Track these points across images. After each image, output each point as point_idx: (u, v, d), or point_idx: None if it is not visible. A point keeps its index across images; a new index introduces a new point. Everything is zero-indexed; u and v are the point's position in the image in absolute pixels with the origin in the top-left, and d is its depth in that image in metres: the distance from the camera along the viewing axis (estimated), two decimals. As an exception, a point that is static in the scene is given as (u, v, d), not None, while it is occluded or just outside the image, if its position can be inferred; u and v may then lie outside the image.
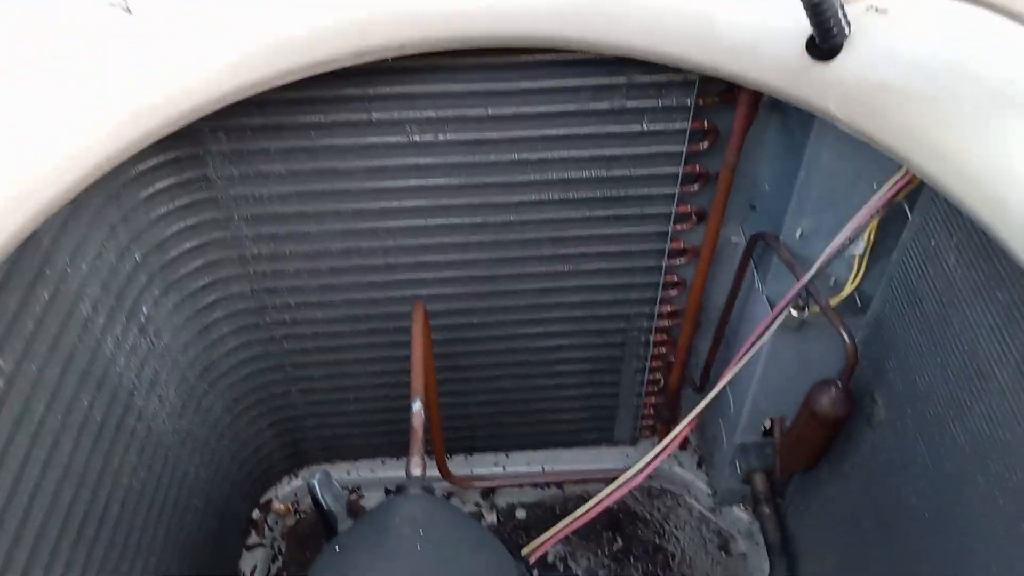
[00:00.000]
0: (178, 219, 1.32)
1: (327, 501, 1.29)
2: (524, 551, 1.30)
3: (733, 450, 1.67)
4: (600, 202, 1.38)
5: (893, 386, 1.24)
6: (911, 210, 1.19)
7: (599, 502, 1.36)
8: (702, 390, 1.72)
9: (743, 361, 1.30)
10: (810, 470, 1.44)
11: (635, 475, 1.39)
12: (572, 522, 1.36)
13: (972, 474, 1.03)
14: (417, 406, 1.22)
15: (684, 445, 1.91)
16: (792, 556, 1.64)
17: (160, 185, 1.26)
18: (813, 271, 1.22)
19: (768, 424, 1.61)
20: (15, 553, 0.99)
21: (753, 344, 1.30)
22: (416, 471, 1.15)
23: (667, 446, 1.37)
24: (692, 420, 1.36)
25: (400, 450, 1.90)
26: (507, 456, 1.93)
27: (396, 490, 1.14)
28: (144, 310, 1.31)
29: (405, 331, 1.55)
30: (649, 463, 1.38)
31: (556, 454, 1.93)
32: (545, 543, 1.33)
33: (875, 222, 1.22)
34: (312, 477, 1.31)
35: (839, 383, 1.27)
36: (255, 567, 1.77)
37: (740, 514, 1.82)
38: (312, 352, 1.62)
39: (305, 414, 1.76)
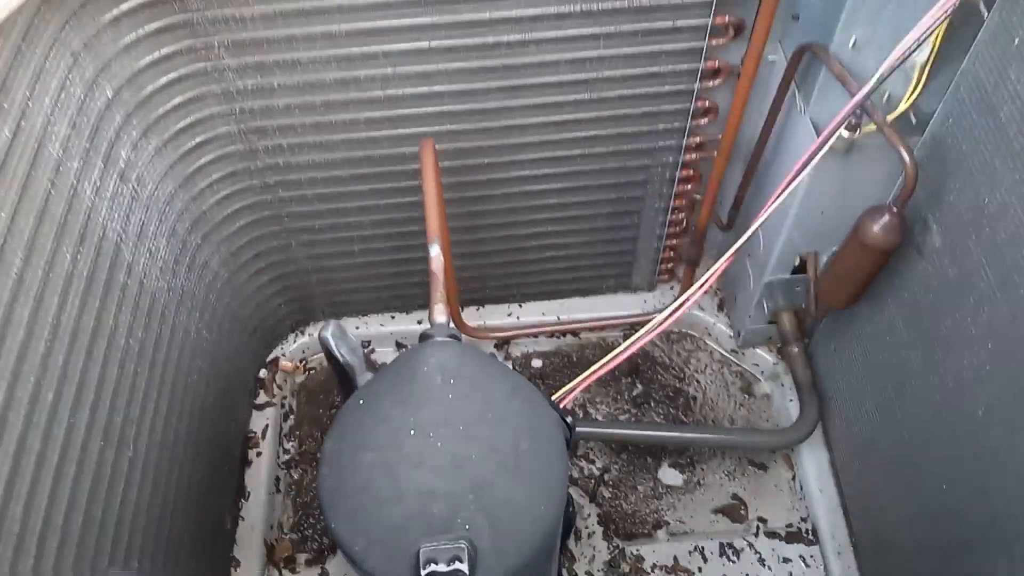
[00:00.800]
0: (150, 47, 1.16)
1: (343, 353, 1.21)
2: (554, 397, 1.23)
3: (760, 289, 1.59)
4: (628, 14, 1.22)
5: (953, 209, 1.13)
6: (988, 8, 1.05)
7: (626, 348, 1.28)
8: (730, 228, 1.62)
9: (786, 192, 1.19)
10: (850, 306, 1.36)
11: (664, 319, 1.30)
12: (598, 369, 1.28)
13: (1052, 297, 0.94)
14: (435, 250, 1.11)
15: (690, 283, 1.82)
16: (822, 396, 1.59)
17: (125, 6, 1.09)
18: (873, 82, 1.08)
19: (798, 260, 1.51)
20: (8, 416, 0.90)
21: (799, 172, 1.18)
22: (440, 317, 1.05)
23: (702, 286, 1.28)
24: (729, 257, 1.27)
25: (409, 304, 1.82)
26: (520, 307, 1.85)
27: (420, 338, 1.05)
28: (123, 155, 1.17)
29: (410, 174, 1.43)
30: (681, 306, 1.29)
31: (571, 303, 1.85)
32: (572, 392, 1.26)
33: (943, 25, 1.07)
34: (324, 329, 1.22)
35: (894, 208, 1.16)
36: (266, 426, 1.71)
37: (764, 355, 1.77)
38: (311, 200, 1.49)
39: (308, 268, 1.65)
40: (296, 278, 1.67)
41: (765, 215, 1.23)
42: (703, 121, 1.43)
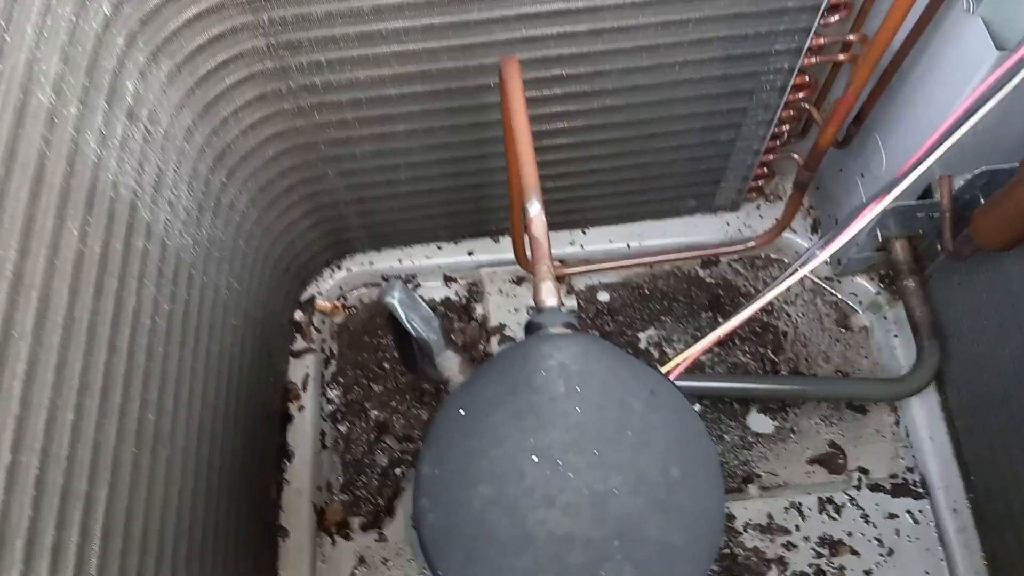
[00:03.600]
0: (153, -55, 0.89)
1: (415, 326, 1.00)
2: (664, 369, 1.03)
3: (876, 215, 1.36)
4: None
5: None
6: None
7: (757, 307, 1.06)
8: (846, 146, 1.38)
9: (966, 126, 0.95)
10: (1008, 249, 1.14)
11: (805, 271, 1.07)
12: (714, 338, 1.07)
13: None
14: (536, 208, 0.87)
15: (798, 208, 1.60)
16: (942, 335, 1.40)
17: None
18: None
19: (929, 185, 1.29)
20: (22, 448, 0.70)
21: (985, 98, 0.94)
22: (551, 299, 0.84)
23: (836, 244, 1.05)
24: (880, 200, 1.03)
25: (457, 233, 1.59)
26: (585, 233, 1.62)
27: (528, 328, 0.84)
28: (129, 87, 0.92)
29: (471, 91, 1.18)
30: (819, 258, 1.06)
31: (642, 227, 1.62)
32: (689, 358, 1.06)
33: None
34: (388, 294, 1.01)
35: (1104, 140, 0.93)
36: (306, 376, 1.53)
37: (864, 284, 1.56)
38: (352, 124, 1.24)
39: (347, 199, 1.42)
40: (332, 210, 1.44)
41: (932, 156, 0.99)
42: (833, 18, 1.17)
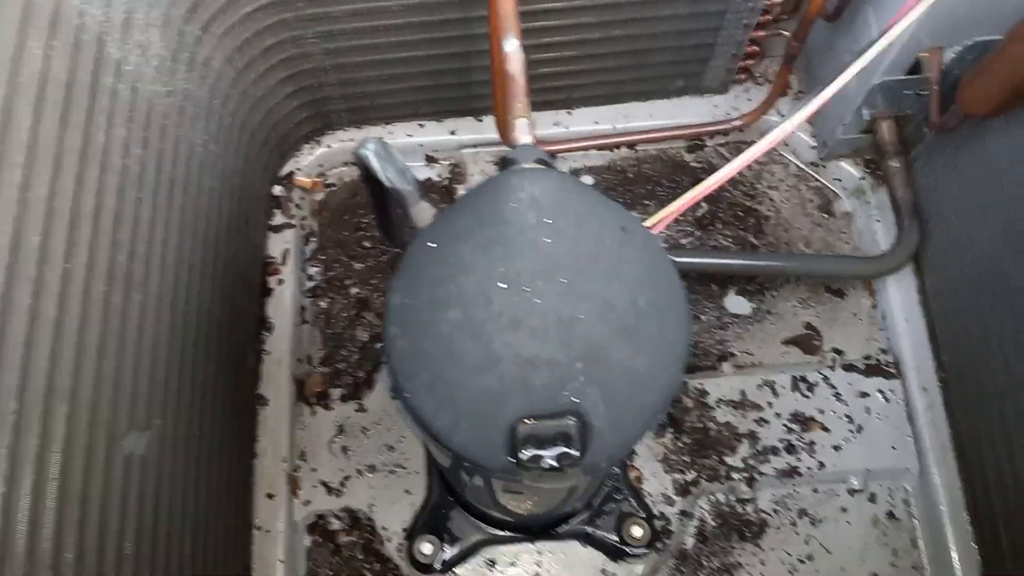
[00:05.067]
0: None
1: (390, 178, 0.99)
2: (647, 223, 1.03)
3: (864, 93, 1.35)
4: None
5: None
6: None
7: (735, 168, 1.06)
8: (837, 18, 1.35)
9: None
10: (994, 116, 1.13)
11: (780, 136, 1.07)
12: (698, 194, 1.07)
13: None
14: (513, 43, 0.86)
15: (786, 89, 1.58)
16: (923, 218, 1.40)
17: None
18: None
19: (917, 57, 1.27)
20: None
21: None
22: (524, 137, 0.83)
23: (815, 105, 1.03)
24: (862, 59, 1.02)
25: (441, 110, 1.57)
26: (570, 113, 1.60)
27: (501, 164, 0.83)
28: (92, -89, 0.88)
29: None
30: (794, 123, 1.05)
31: (628, 109, 1.60)
32: (668, 216, 1.05)
33: None
34: (363, 147, 0.99)
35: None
36: (286, 250, 1.52)
37: (848, 168, 1.55)
38: (330, -20, 1.21)
39: (326, 66, 1.39)
40: (311, 78, 1.41)
41: (920, 7, 0.97)
42: None
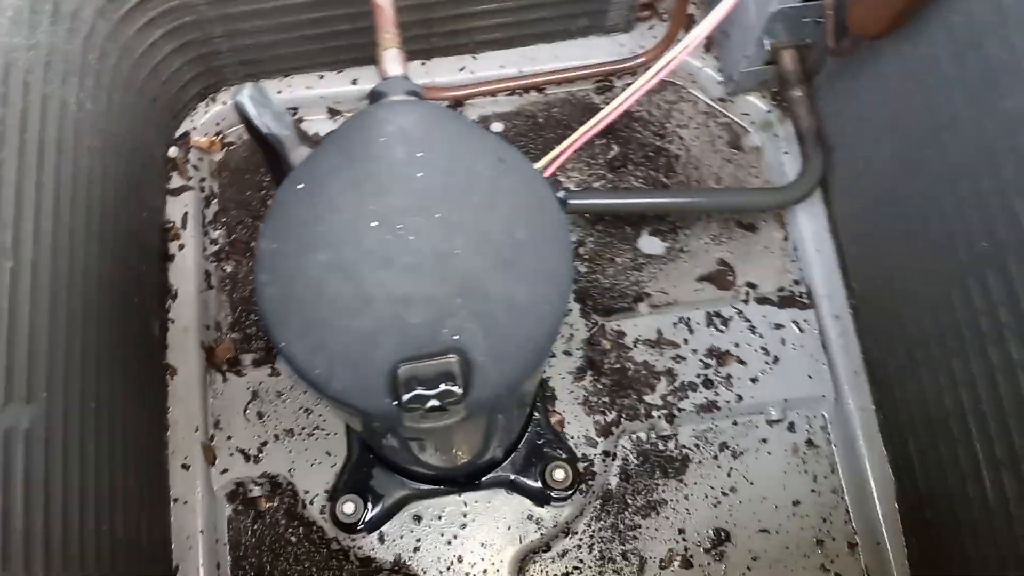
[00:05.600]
0: None
1: (266, 123, 0.94)
2: (538, 165, 1.01)
3: (764, 22, 1.33)
4: None
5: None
6: None
7: (623, 102, 1.04)
8: (731, -55, 1.33)
9: None
10: (889, 32, 1.12)
11: (665, 65, 1.05)
12: (591, 128, 1.05)
13: None
14: (379, -28, 0.81)
15: (689, 24, 1.56)
16: (826, 146, 1.40)
17: None
18: None
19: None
20: None
21: None
22: (395, 68, 0.79)
23: (707, 27, 1.02)
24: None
25: (341, 60, 1.51)
26: (475, 58, 1.56)
27: (371, 97, 0.79)
28: None
29: None
30: (684, 49, 1.03)
31: (534, 51, 1.57)
32: (557, 159, 1.03)
33: None
34: (239, 93, 0.94)
35: (971, -101, 0.90)
36: (185, 214, 1.46)
37: (756, 102, 1.55)
38: (201, -79, 1.14)
39: (210, 17, 1.32)
40: (196, 31, 1.35)
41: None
42: None
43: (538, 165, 1.01)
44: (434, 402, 0.68)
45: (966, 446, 1.11)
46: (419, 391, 0.67)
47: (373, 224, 0.71)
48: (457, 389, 0.68)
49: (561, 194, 0.88)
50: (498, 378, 0.71)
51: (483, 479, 1.31)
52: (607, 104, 1.55)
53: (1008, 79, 0.96)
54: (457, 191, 0.73)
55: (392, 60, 0.78)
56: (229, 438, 1.37)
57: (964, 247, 1.08)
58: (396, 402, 0.68)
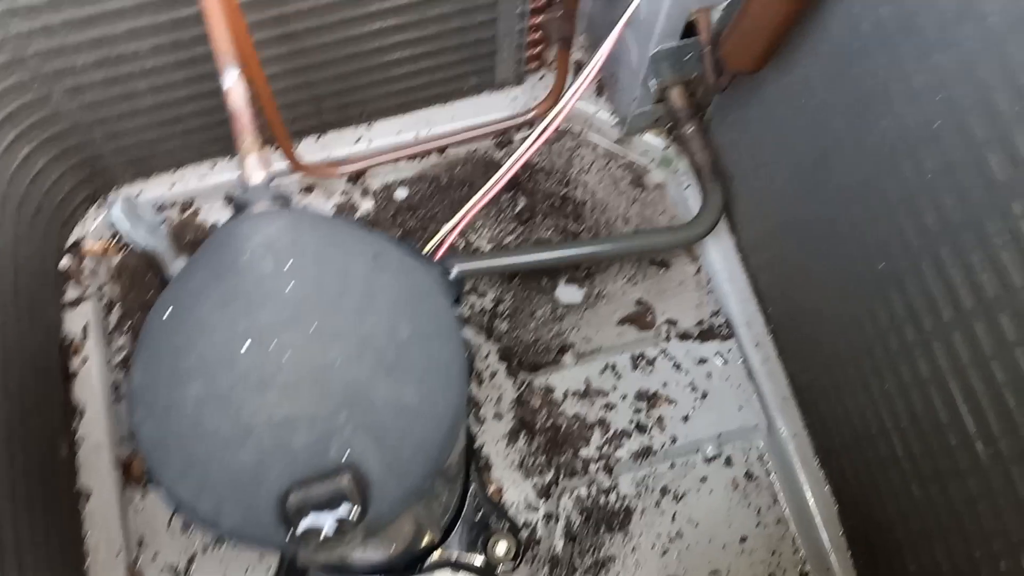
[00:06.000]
0: None
1: (141, 238, 0.91)
2: (426, 250, 0.98)
3: (646, 64, 1.34)
4: None
5: (886, -70, 0.90)
6: None
7: (510, 168, 1.03)
8: (603, -6, 1.34)
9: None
10: (758, 69, 1.14)
11: (555, 117, 1.05)
12: (478, 201, 1.03)
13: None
14: (232, 77, 0.79)
15: (579, 71, 1.57)
16: (724, 176, 1.42)
17: None
18: None
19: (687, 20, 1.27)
20: None
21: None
22: (256, 175, 0.76)
23: (591, 73, 1.02)
24: (618, 32, 1.00)
25: (228, 146, 1.47)
26: (370, 127, 1.54)
27: (234, 208, 0.76)
28: None
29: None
30: (572, 97, 1.03)
31: (430, 114, 1.55)
32: (449, 236, 1.01)
33: None
34: (111, 209, 0.91)
35: (815, -62, 0.91)
36: (85, 325, 1.40)
37: (652, 140, 1.56)
38: (59, 30, 1.10)
39: (86, 121, 1.28)
40: (74, 137, 1.30)
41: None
42: None
43: (431, 243, 0.99)
44: (331, 529, 0.64)
45: (894, 464, 1.11)
46: (312, 519, 0.64)
47: (246, 345, 0.67)
48: (354, 511, 0.64)
49: (455, 272, 0.85)
50: (397, 490, 0.67)
51: (425, 563, 1.26)
52: (508, 158, 1.56)
53: (879, 103, 0.98)
54: (331, 298, 0.70)
55: (253, 166, 0.76)
56: (155, 556, 1.30)
57: (864, 267, 1.09)
58: (289, 535, 0.64)
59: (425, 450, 0.69)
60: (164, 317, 0.71)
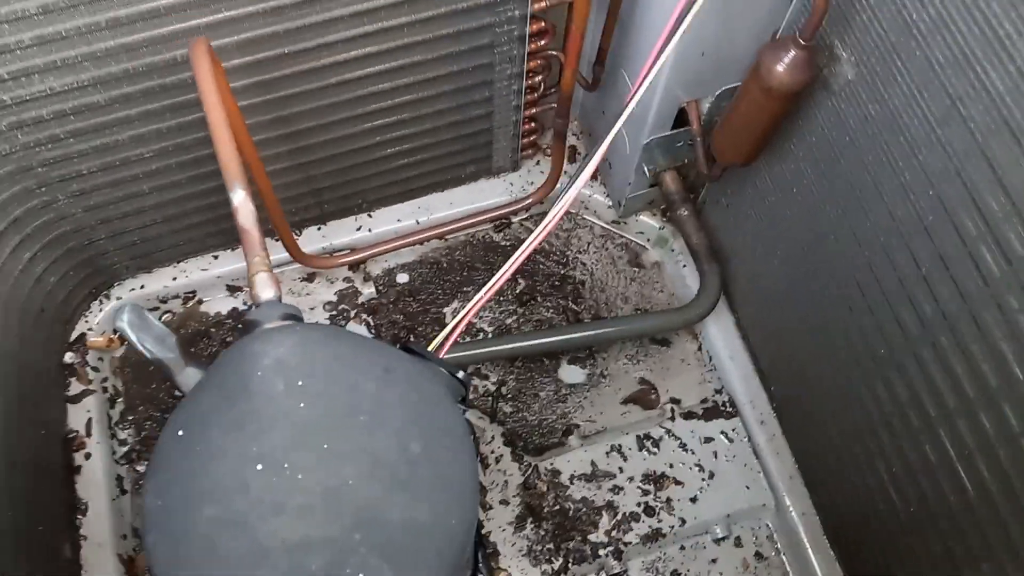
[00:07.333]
0: None
1: (149, 347, 0.92)
2: (431, 347, 0.99)
3: (639, 152, 1.38)
4: None
5: (869, 31, 0.93)
6: None
7: (515, 260, 1.04)
8: (596, 87, 1.38)
9: (677, 36, 0.95)
10: (749, 163, 1.17)
11: (561, 208, 1.07)
12: (483, 297, 1.04)
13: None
14: (240, 195, 0.81)
15: (573, 156, 1.60)
16: (720, 256, 1.44)
17: None
18: None
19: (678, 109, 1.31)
20: None
21: (681, 16, 0.94)
22: (266, 292, 0.78)
23: (589, 170, 1.04)
24: (620, 124, 1.03)
25: (231, 238, 1.49)
26: (370, 216, 1.56)
27: (243, 327, 0.77)
28: None
29: (190, 83, 1.09)
30: (570, 196, 1.05)
31: (428, 201, 1.58)
32: (459, 324, 1.02)
33: None
34: (119, 318, 0.92)
35: (801, 40, 0.95)
36: (89, 420, 1.40)
37: (648, 220, 1.58)
38: (65, 139, 1.13)
39: (91, 223, 1.30)
40: (76, 237, 1.32)
41: (645, 80, 0.99)
42: (550, -40, 1.15)
43: (434, 345, 1.00)
44: (346, 651, 0.64)
45: (905, 546, 1.11)
46: (329, 642, 0.63)
47: (259, 467, 0.68)
48: (369, 632, 0.64)
49: (461, 375, 0.86)
50: (412, 606, 0.67)
51: (434, 657, 1.24)
52: (507, 241, 1.58)
53: (871, 195, 1.00)
54: (342, 416, 0.70)
55: (263, 284, 0.77)
56: (159, 657, 1.27)
57: (864, 352, 1.10)
58: (305, 660, 0.64)
59: (437, 566, 0.69)
60: (176, 438, 0.72)
